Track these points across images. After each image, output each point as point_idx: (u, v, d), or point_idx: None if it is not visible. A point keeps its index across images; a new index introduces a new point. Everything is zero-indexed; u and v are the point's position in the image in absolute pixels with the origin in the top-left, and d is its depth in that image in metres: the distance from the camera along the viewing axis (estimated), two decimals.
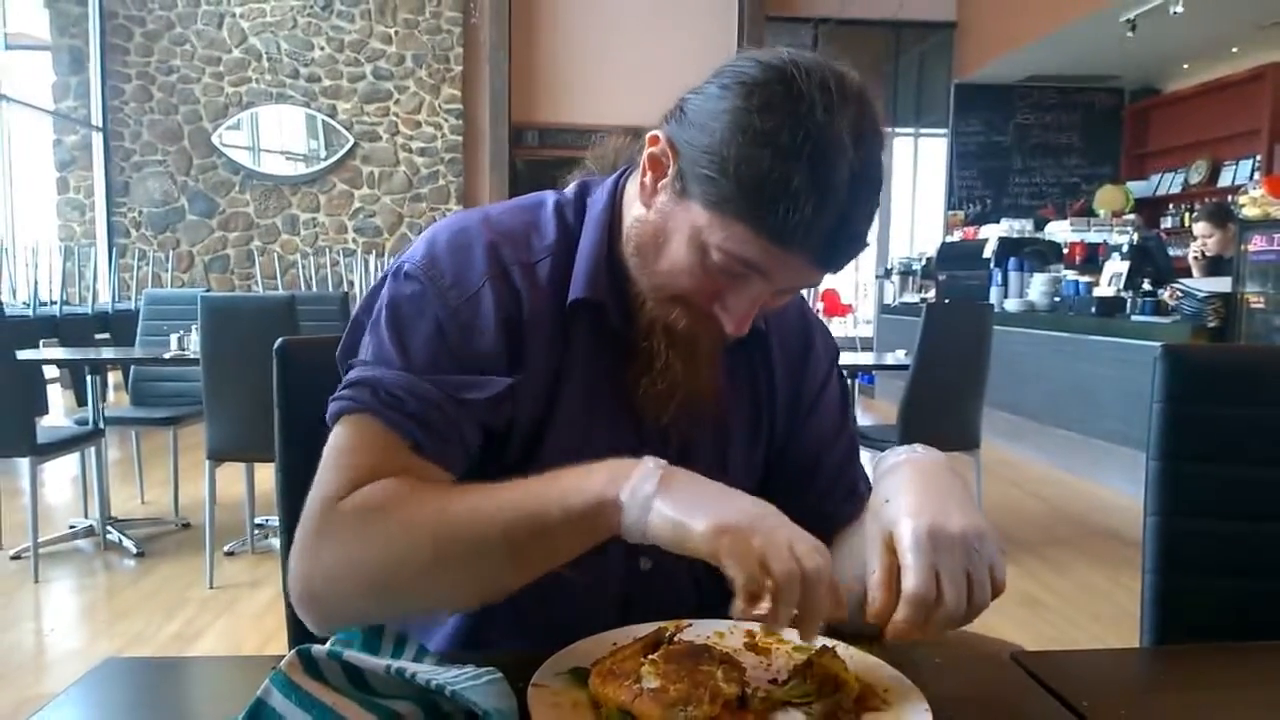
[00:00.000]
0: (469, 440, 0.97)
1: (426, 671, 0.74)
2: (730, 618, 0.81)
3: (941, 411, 4.09)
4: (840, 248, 0.90)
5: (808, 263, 0.90)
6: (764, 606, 0.76)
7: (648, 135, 0.97)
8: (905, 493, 0.89)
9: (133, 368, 4.81)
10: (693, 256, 0.93)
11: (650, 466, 0.84)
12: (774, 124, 0.86)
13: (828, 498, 1.17)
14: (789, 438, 1.17)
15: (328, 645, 0.80)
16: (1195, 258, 5.90)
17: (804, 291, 1.13)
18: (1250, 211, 5.02)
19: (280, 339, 1.20)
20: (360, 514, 0.89)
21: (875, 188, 0.91)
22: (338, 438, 0.95)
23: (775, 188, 0.86)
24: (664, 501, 0.81)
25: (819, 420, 1.18)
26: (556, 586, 0.93)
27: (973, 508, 0.89)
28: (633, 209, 1.01)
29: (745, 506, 0.82)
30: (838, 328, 11.48)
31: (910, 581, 0.82)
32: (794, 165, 0.85)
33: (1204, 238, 5.81)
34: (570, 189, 1.10)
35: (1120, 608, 3.54)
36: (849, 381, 4.70)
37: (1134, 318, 5.55)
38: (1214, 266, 5.67)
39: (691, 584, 1.10)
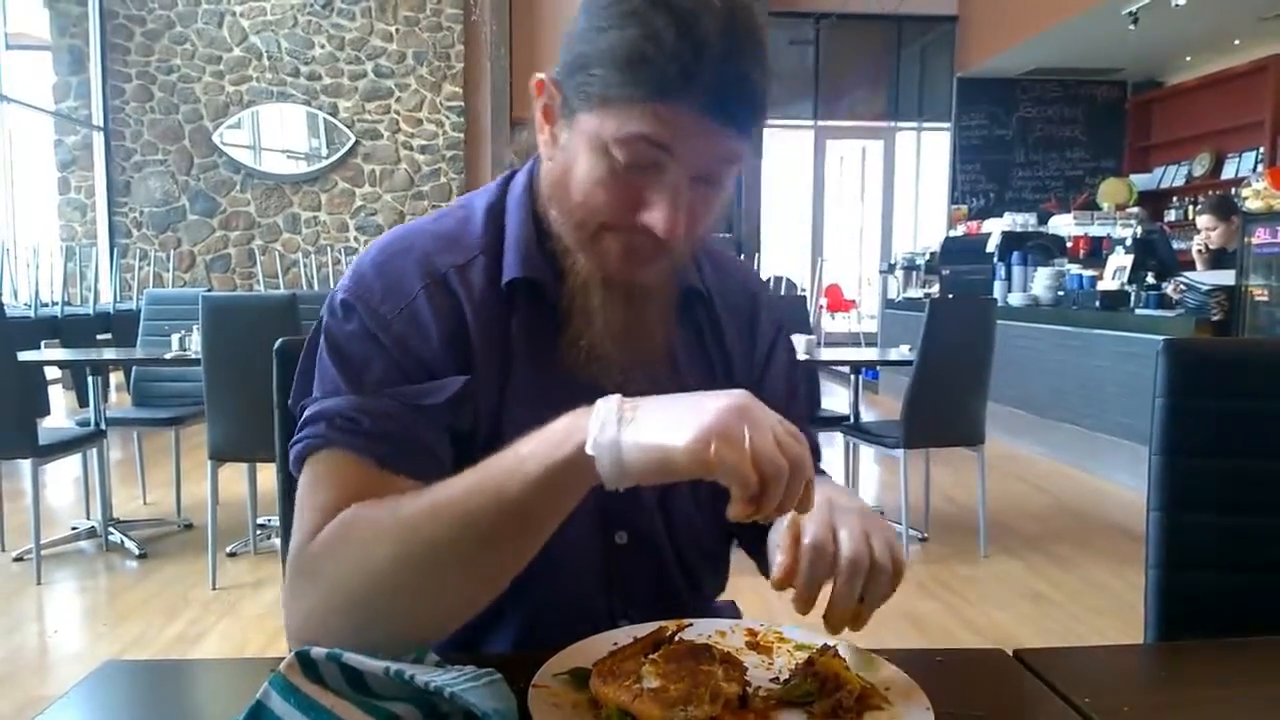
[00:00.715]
0: (436, 447, 0.95)
1: (425, 673, 0.74)
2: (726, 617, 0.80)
3: (945, 407, 4.09)
4: (729, 91, 0.88)
5: (700, 113, 0.87)
6: (763, 510, 0.76)
7: (534, 82, 0.98)
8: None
9: (134, 368, 4.81)
10: (599, 165, 0.91)
11: (605, 406, 0.79)
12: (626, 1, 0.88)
13: None
14: None
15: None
16: (1199, 251, 5.90)
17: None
18: (1254, 204, 5.01)
19: (280, 339, 1.20)
20: (328, 546, 0.87)
21: (749, 28, 0.89)
22: (303, 481, 0.93)
23: (644, 47, 0.85)
24: (633, 433, 0.77)
25: (771, 385, 1.17)
26: (536, 574, 0.91)
27: (875, 517, 0.91)
28: (546, 172, 1.01)
29: (717, 405, 0.77)
30: (841, 323, 11.50)
31: (808, 534, 0.83)
32: (656, 20, 0.85)
33: (1207, 230, 5.81)
34: (493, 185, 1.09)
35: (1124, 602, 3.54)
36: (855, 377, 4.71)
37: (1138, 311, 5.54)
38: (1218, 259, 5.66)
39: (673, 555, 1.09)
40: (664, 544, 1.08)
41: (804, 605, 0.82)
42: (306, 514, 0.90)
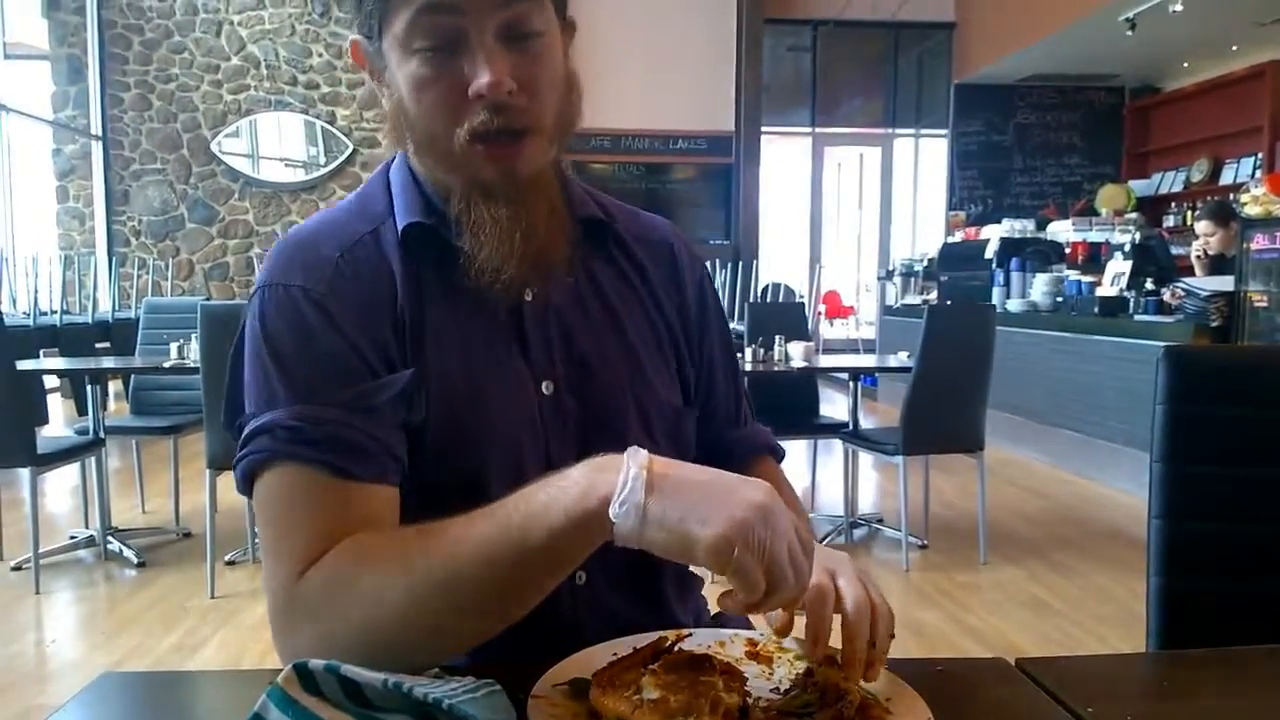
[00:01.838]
0: (392, 445, 0.92)
1: (424, 685, 0.74)
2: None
3: (945, 413, 4.09)
4: None
5: None
6: (764, 617, 0.77)
7: (351, 53, 1.03)
8: None
9: (133, 377, 4.81)
10: (413, 67, 0.94)
11: (633, 465, 0.76)
12: None
13: (727, 426, 1.20)
14: (694, 347, 1.16)
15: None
16: (1198, 256, 5.90)
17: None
18: (1252, 209, 5.01)
19: None
20: (325, 592, 0.83)
21: None
22: (262, 501, 0.89)
23: None
24: (659, 507, 0.75)
25: (709, 342, 1.17)
26: None
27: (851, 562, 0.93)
28: (396, 125, 1.01)
29: (748, 499, 0.75)
30: (839, 329, 11.49)
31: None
32: None
33: (1206, 236, 5.81)
34: (377, 171, 1.10)
35: (1125, 609, 3.53)
36: (853, 384, 4.70)
37: (1137, 317, 5.54)
38: (1216, 265, 5.66)
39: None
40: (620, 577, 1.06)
41: (815, 648, 0.85)
42: (284, 543, 0.87)
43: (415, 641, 0.82)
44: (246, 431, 0.91)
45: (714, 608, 1.01)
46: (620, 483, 0.76)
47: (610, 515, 0.75)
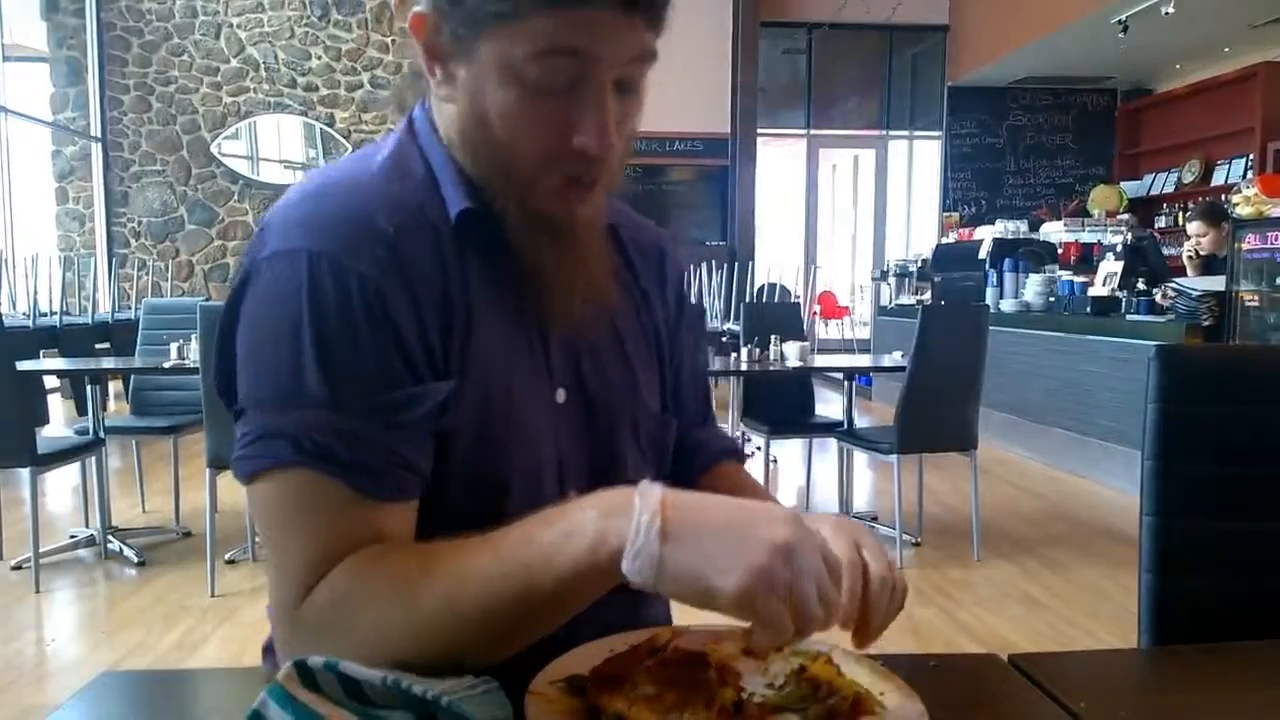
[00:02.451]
0: (418, 459, 0.86)
1: (422, 682, 0.73)
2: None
3: (938, 412, 4.11)
4: None
5: (613, 11, 0.81)
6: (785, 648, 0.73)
7: (410, 20, 0.87)
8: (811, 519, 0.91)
9: (133, 377, 4.80)
10: (515, 95, 0.84)
11: (644, 511, 0.72)
12: None
13: (692, 425, 1.17)
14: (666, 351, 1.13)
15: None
16: (1189, 257, 5.91)
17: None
18: (1244, 210, 5.04)
19: None
20: (325, 625, 0.80)
21: None
22: (267, 507, 0.83)
23: None
24: (674, 555, 0.70)
25: (685, 338, 1.15)
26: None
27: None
28: (445, 116, 0.93)
29: (770, 541, 0.70)
30: (834, 330, 11.50)
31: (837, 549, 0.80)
32: None
33: (1198, 237, 5.83)
34: (394, 134, 0.98)
35: (1118, 606, 3.55)
36: (848, 383, 4.72)
37: (1129, 317, 5.56)
38: (1208, 266, 5.68)
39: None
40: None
41: (861, 637, 0.81)
42: (290, 556, 0.81)
43: (418, 668, 0.77)
44: (260, 426, 0.82)
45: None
46: (633, 532, 0.71)
47: (624, 569, 0.71)
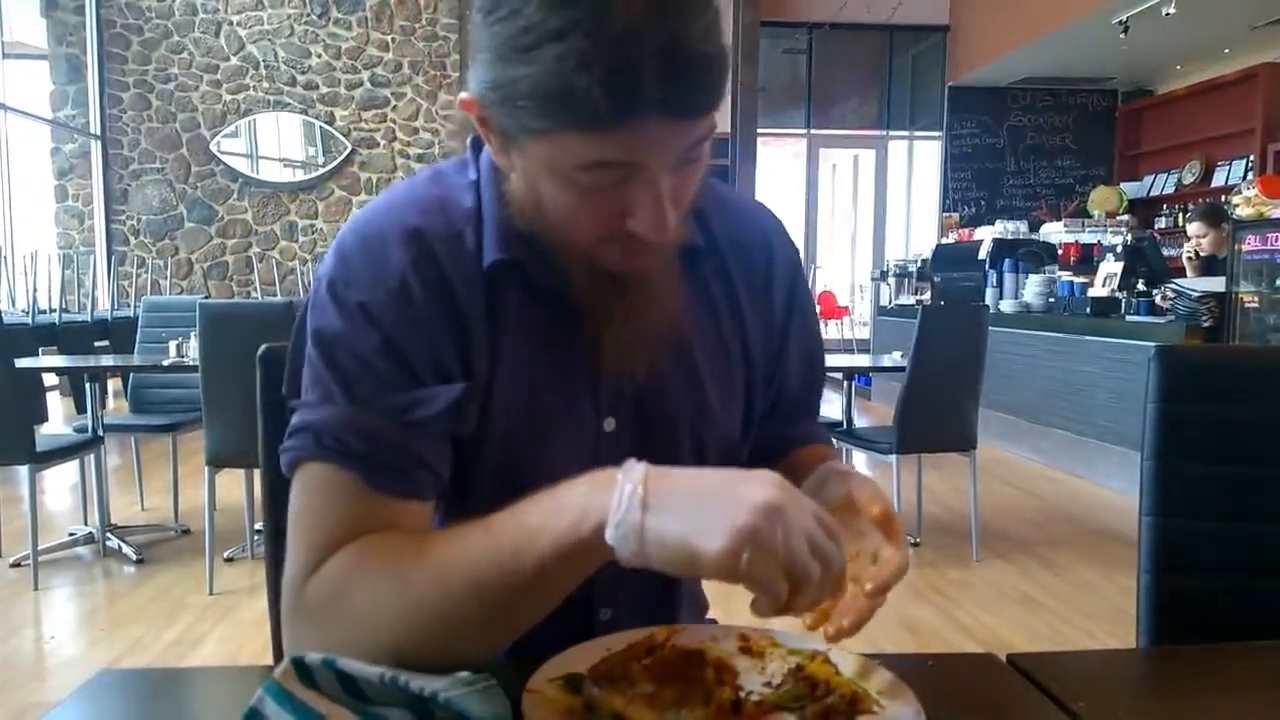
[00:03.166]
0: (433, 460, 0.89)
1: (420, 679, 0.74)
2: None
3: (938, 412, 4.11)
4: (682, 84, 0.75)
5: (660, 121, 0.75)
6: (789, 612, 0.73)
7: (459, 103, 0.86)
8: (854, 477, 0.92)
9: (132, 375, 4.81)
10: (566, 192, 0.82)
11: (627, 484, 0.72)
12: (525, 21, 0.74)
13: (788, 421, 1.13)
14: (772, 360, 1.09)
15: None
16: (1189, 258, 5.92)
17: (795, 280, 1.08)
18: (1244, 211, 5.03)
19: (264, 345, 1.16)
20: (324, 602, 0.83)
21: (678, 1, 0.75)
22: (295, 492, 0.88)
23: (565, 79, 0.73)
24: (657, 523, 0.71)
25: (795, 339, 1.10)
26: None
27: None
28: (507, 177, 0.92)
29: (751, 501, 0.70)
30: (834, 329, 11.50)
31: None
32: (566, 44, 0.72)
33: (1198, 238, 5.83)
34: (467, 154, 0.99)
35: (1116, 607, 3.55)
36: (847, 383, 4.72)
37: (1128, 318, 5.56)
38: (1208, 267, 5.68)
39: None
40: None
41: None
42: (302, 539, 0.86)
43: (413, 657, 0.79)
44: (298, 422, 0.89)
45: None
46: (615, 503, 0.72)
47: (608, 539, 0.72)
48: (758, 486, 0.72)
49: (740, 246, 1.05)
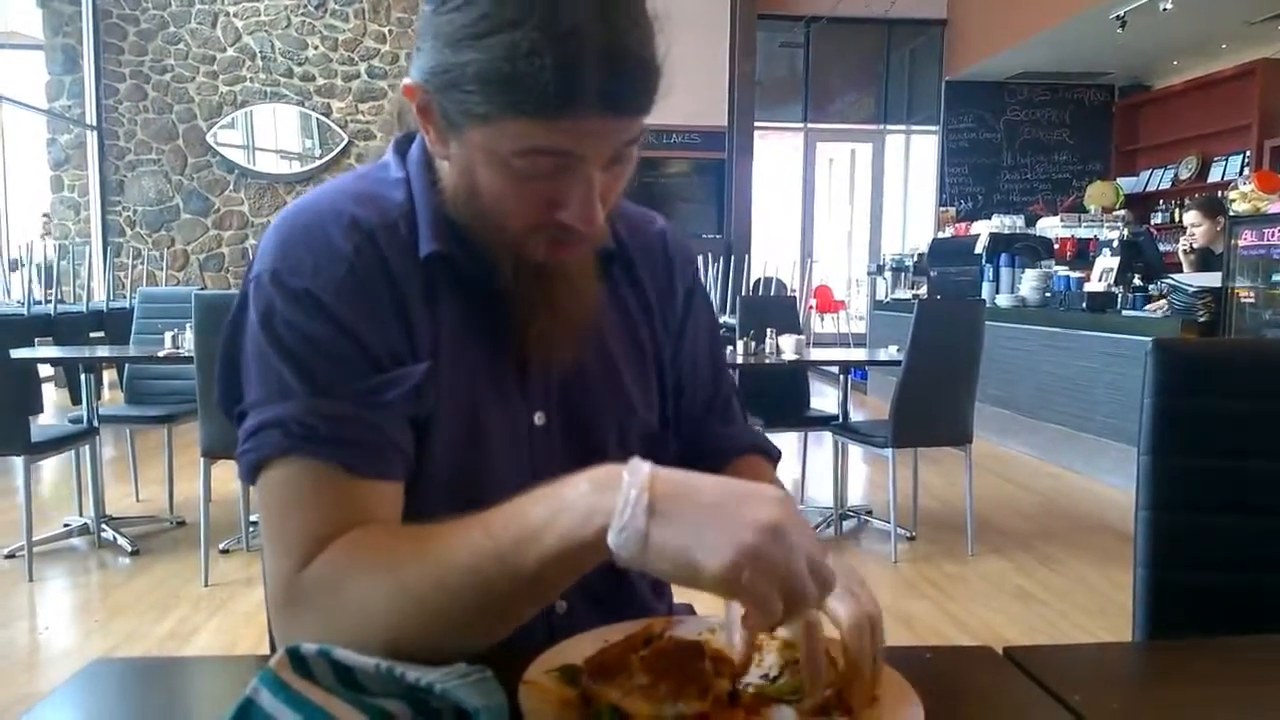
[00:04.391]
0: (400, 441, 0.90)
1: (416, 670, 0.73)
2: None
3: (933, 407, 4.11)
4: (620, 83, 0.80)
5: (599, 115, 0.81)
6: (777, 629, 0.72)
7: (401, 89, 0.90)
8: None
9: (127, 366, 4.80)
10: (501, 178, 0.86)
11: (632, 486, 0.72)
12: (478, 11, 0.80)
13: (711, 421, 1.18)
14: (676, 354, 1.14)
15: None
16: (1185, 251, 5.92)
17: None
18: (1241, 206, 5.04)
19: None
20: (319, 592, 0.83)
21: (624, 6, 0.81)
22: (267, 494, 0.87)
23: (514, 65, 0.78)
24: (661, 534, 0.70)
25: (690, 338, 1.15)
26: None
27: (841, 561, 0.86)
28: (441, 165, 0.95)
29: (755, 521, 0.70)
30: (830, 324, 11.51)
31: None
32: (518, 33, 0.77)
33: (1192, 227, 5.84)
34: (389, 154, 1.03)
35: (1112, 601, 3.56)
36: (843, 377, 4.72)
37: (1124, 313, 5.57)
38: (1202, 259, 5.69)
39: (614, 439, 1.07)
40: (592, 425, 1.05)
41: (814, 686, 0.76)
42: (287, 536, 0.85)
43: (407, 648, 0.78)
44: (255, 422, 0.88)
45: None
46: (620, 506, 0.71)
47: (609, 544, 0.71)
48: (762, 505, 0.72)
49: (644, 250, 1.12)
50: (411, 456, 0.92)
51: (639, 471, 0.73)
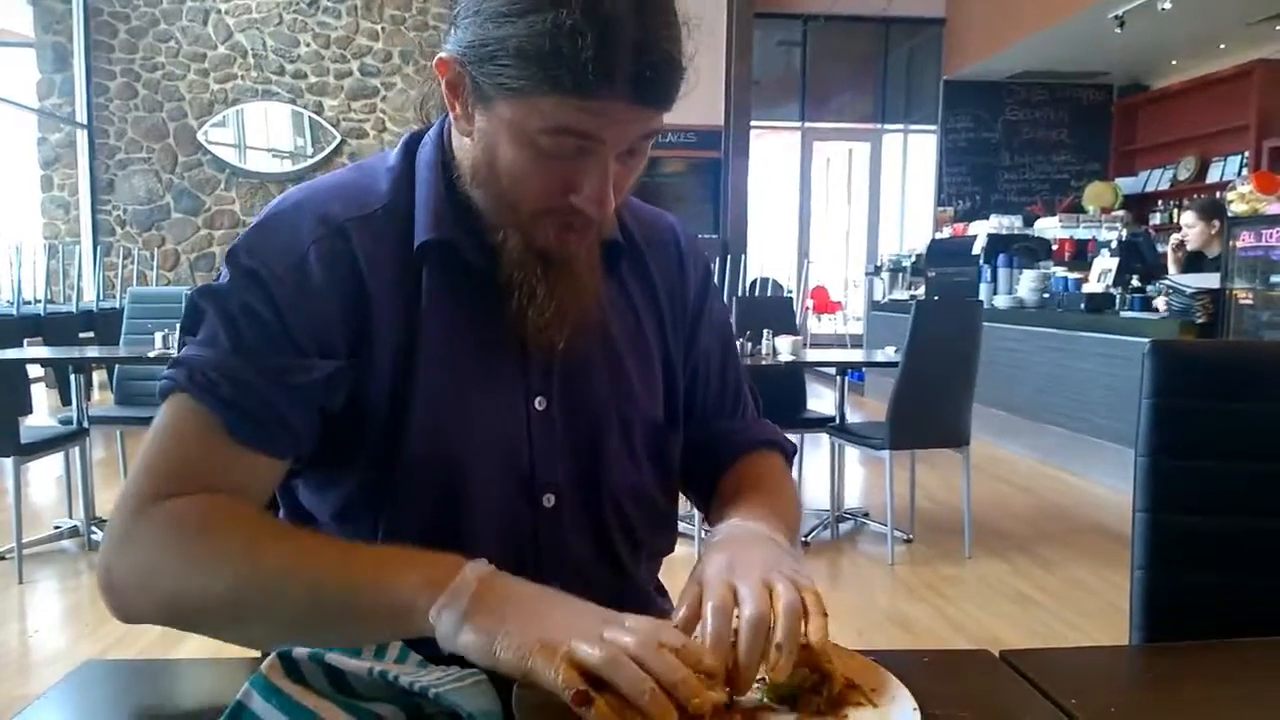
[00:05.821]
0: (296, 424, 0.94)
1: (409, 674, 0.74)
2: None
3: (931, 408, 4.10)
4: (650, 75, 0.86)
5: (627, 103, 0.86)
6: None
7: (434, 63, 0.94)
8: (714, 551, 0.91)
9: (117, 366, 4.78)
10: (524, 155, 0.90)
11: (468, 580, 0.78)
12: None
13: (721, 417, 1.20)
14: (684, 354, 1.16)
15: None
16: (1173, 247, 5.91)
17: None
18: (1239, 207, 5.04)
19: None
20: (167, 529, 0.87)
21: (659, 3, 0.88)
22: (159, 418, 0.93)
23: (555, 42, 0.82)
24: (473, 623, 0.76)
25: (703, 334, 1.18)
26: (458, 537, 0.97)
27: (780, 554, 0.91)
28: (460, 145, 0.99)
29: (562, 619, 0.76)
30: (827, 324, 11.51)
31: (710, 595, 0.82)
32: (562, 11, 0.82)
33: (1187, 228, 5.83)
34: (396, 149, 1.07)
35: (1107, 603, 3.56)
36: (840, 378, 4.71)
37: (1123, 314, 5.57)
38: (1191, 261, 5.69)
39: (612, 515, 1.09)
40: (600, 504, 1.07)
41: (714, 659, 0.78)
42: (153, 460, 0.91)
43: (217, 620, 0.87)
44: (180, 355, 0.94)
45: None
46: (450, 591, 0.77)
47: (430, 616, 0.77)
48: (576, 611, 0.79)
49: (655, 246, 1.15)
50: (306, 441, 0.96)
51: (479, 569, 0.80)
